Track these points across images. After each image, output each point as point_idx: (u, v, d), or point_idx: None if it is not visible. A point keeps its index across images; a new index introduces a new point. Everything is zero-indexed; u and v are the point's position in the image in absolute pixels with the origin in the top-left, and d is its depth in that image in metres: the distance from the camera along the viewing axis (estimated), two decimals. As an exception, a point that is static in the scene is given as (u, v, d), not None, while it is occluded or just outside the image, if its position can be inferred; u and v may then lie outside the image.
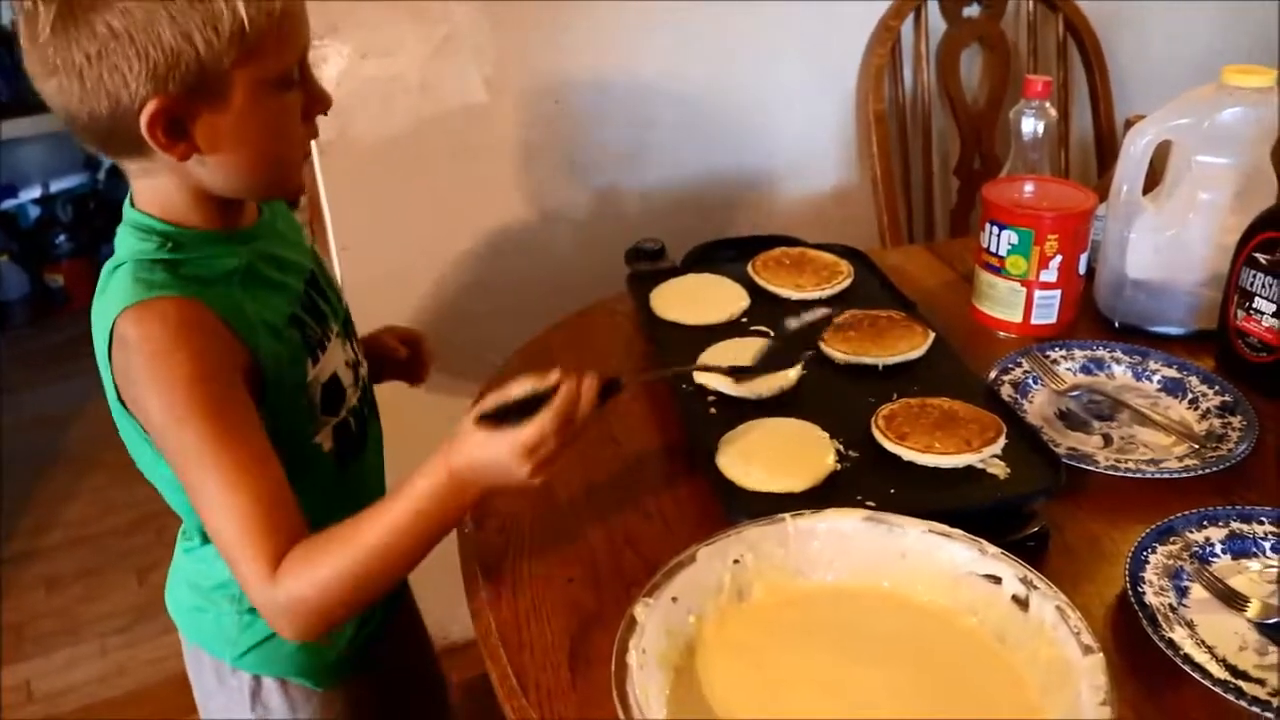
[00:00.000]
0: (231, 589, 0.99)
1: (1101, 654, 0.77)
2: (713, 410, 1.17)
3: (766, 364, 1.15)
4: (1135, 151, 1.36)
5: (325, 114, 1.01)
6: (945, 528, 0.89)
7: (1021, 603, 0.84)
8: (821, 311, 1.31)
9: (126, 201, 1.00)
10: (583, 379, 0.90)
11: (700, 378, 1.20)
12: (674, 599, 0.84)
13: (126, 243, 0.98)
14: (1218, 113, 1.32)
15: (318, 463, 1.07)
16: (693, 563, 0.86)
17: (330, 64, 1.66)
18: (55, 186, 3.84)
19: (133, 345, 0.91)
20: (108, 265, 0.98)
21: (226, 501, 0.90)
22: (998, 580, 0.86)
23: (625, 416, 1.26)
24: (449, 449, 0.90)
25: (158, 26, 0.85)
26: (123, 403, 0.96)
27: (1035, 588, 0.83)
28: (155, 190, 0.97)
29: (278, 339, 1.00)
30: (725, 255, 1.50)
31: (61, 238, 3.77)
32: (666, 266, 1.47)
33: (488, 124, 1.79)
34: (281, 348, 1.00)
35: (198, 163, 0.93)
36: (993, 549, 0.87)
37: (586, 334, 1.45)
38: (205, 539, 1.02)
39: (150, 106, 0.88)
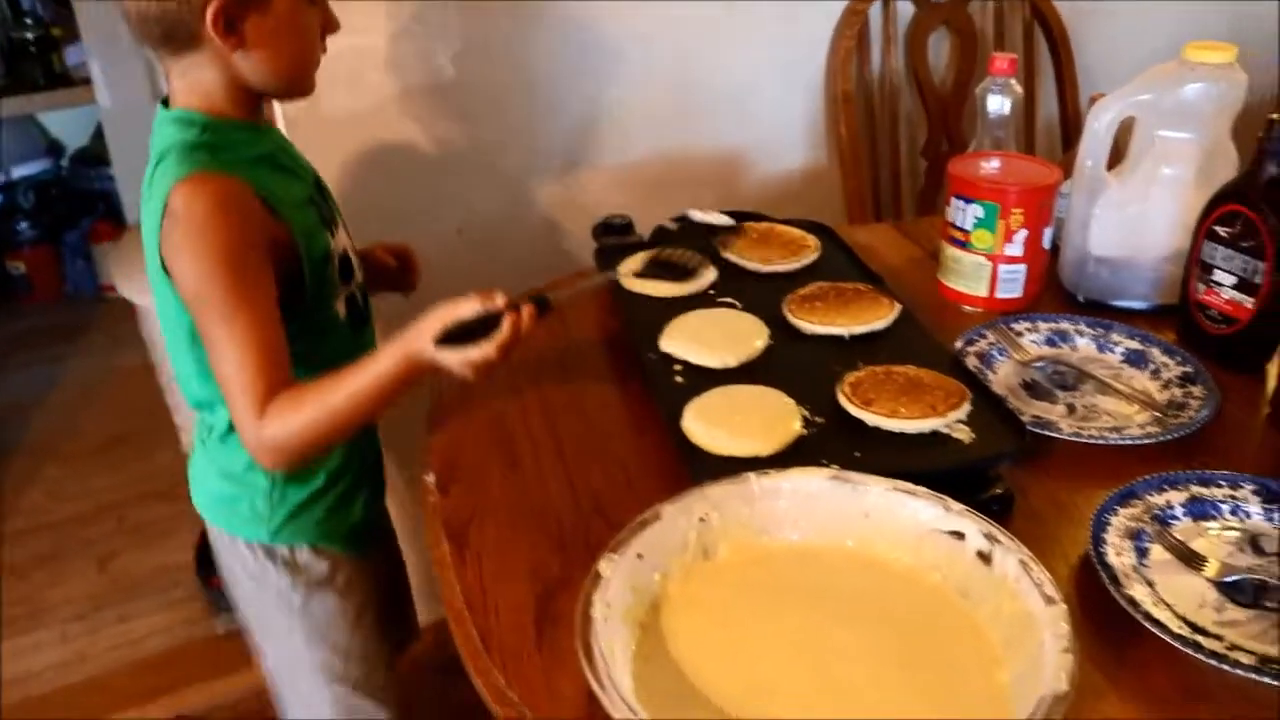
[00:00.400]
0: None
1: (1064, 604, 0.77)
2: (679, 379, 1.17)
3: (673, 261, 1.31)
4: (1099, 127, 1.37)
5: (334, 33, 1.21)
6: (909, 485, 0.89)
7: (985, 557, 0.84)
8: (726, 220, 1.43)
9: (160, 107, 1.16)
10: (522, 308, 1.09)
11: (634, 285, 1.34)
12: (639, 555, 0.84)
13: (167, 134, 1.12)
14: (1180, 88, 1.34)
15: (336, 329, 1.25)
16: (658, 520, 0.86)
17: (296, 39, 1.65)
18: (17, 173, 3.80)
19: (180, 216, 1.07)
20: (151, 161, 1.13)
21: (236, 352, 1.07)
22: (961, 536, 0.86)
23: (591, 385, 1.27)
24: (412, 338, 1.08)
25: None
26: (166, 273, 1.10)
27: (998, 542, 0.84)
28: (197, 84, 1.13)
29: (303, 214, 1.18)
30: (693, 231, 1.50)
31: (23, 225, 3.73)
32: (633, 241, 1.47)
33: (455, 102, 1.79)
34: (307, 221, 1.18)
35: (241, 56, 1.11)
36: (957, 506, 0.87)
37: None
38: (233, 428, 1.18)
39: (214, 5, 1.06)
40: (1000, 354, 1.30)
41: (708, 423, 1.06)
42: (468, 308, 1.08)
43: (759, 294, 1.33)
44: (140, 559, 2.47)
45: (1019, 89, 1.49)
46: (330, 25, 1.19)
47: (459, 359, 1.08)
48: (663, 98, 1.92)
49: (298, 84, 1.19)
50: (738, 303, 1.31)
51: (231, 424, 1.17)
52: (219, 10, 1.07)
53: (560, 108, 1.87)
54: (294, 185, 1.21)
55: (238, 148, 1.14)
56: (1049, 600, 0.78)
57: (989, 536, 0.84)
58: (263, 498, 1.27)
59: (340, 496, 1.31)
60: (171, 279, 1.10)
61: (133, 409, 2.86)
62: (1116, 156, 1.42)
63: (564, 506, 1.07)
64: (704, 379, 1.16)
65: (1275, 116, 1.20)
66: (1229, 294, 1.27)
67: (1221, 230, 1.26)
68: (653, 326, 1.25)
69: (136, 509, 2.63)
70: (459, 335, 1.07)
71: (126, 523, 2.61)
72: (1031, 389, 1.25)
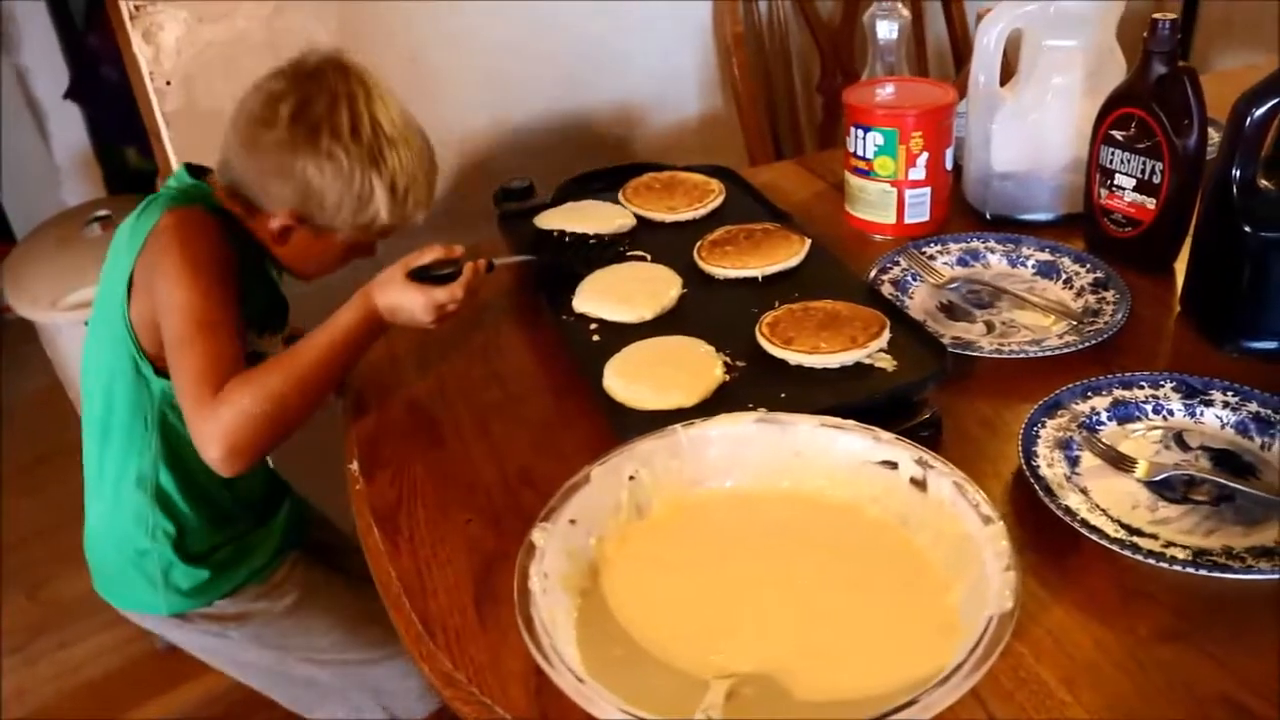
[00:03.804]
0: (159, 530, 1.26)
1: (1001, 523, 0.77)
2: (596, 337, 1.15)
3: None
4: (988, 42, 1.37)
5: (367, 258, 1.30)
6: (837, 420, 0.89)
7: (919, 484, 0.84)
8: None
9: (183, 167, 1.27)
10: (476, 263, 1.16)
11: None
12: (572, 521, 0.82)
13: (183, 189, 1.23)
14: (1063, -4, 1.34)
15: None
16: (587, 483, 0.85)
17: (167, 31, 1.58)
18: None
19: (168, 232, 1.14)
20: (141, 204, 1.21)
21: (197, 348, 1.08)
22: (894, 465, 0.86)
23: (505, 354, 1.24)
24: (373, 290, 1.12)
25: (328, 192, 1.17)
26: (126, 298, 1.18)
27: (931, 467, 0.83)
28: (233, 205, 1.23)
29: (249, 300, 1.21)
30: (595, 188, 1.48)
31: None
32: (536, 204, 1.44)
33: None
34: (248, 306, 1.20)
35: (274, 243, 1.24)
36: (887, 435, 0.87)
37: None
38: (120, 487, 1.26)
39: (279, 219, 1.21)
40: (914, 279, 1.29)
41: (628, 379, 1.05)
42: (429, 254, 1.13)
43: (669, 244, 1.31)
44: (72, 583, 2.37)
45: (906, 13, 1.49)
46: (366, 252, 1.29)
47: (425, 299, 1.11)
48: (550, 58, 1.88)
49: (299, 274, 1.31)
50: (647, 255, 1.29)
51: (132, 475, 1.24)
52: (280, 226, 1.20)
53: (445, 77, 1.82)
54: (256, 292, 1.26)
55: (228, 228, 1.21)
56: (986, 520, 0.78)
57: (921, 463, 0.84)
58: (156, 571, 1.28)
59: (234, 551, 1.32)
60: (130, 296, 1.17)
61: (43, 431, 2.76)
62: (1008, 71, 1.42)
63: (492, 480, 1.05)
64: (621, 335, 1.14)
65: (1158, 16, 1.20)
66: (1131, 196, 1.28)
67: (1118, 134, 1.27)
68: (564, 289, 1.23)
69: (62, 533, 2.53)
70: (422, 280, 1.12)
71: (54, 548, 2.51)
72: (949, 310, 1.25)
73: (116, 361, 1.21)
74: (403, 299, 1.11)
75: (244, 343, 1.15)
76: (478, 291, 1.16)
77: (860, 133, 1.38)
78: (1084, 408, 1.04)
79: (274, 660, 1.39)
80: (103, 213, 2.20)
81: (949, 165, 1.40)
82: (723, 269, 1.23)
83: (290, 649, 1.38)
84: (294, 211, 1.20)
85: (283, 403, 1.06)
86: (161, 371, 1.19)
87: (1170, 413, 1.05)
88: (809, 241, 1.26)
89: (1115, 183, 1.29)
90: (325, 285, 1.32)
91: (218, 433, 1.05)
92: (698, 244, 1.28)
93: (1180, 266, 1.28)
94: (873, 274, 1.28)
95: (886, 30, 1.48)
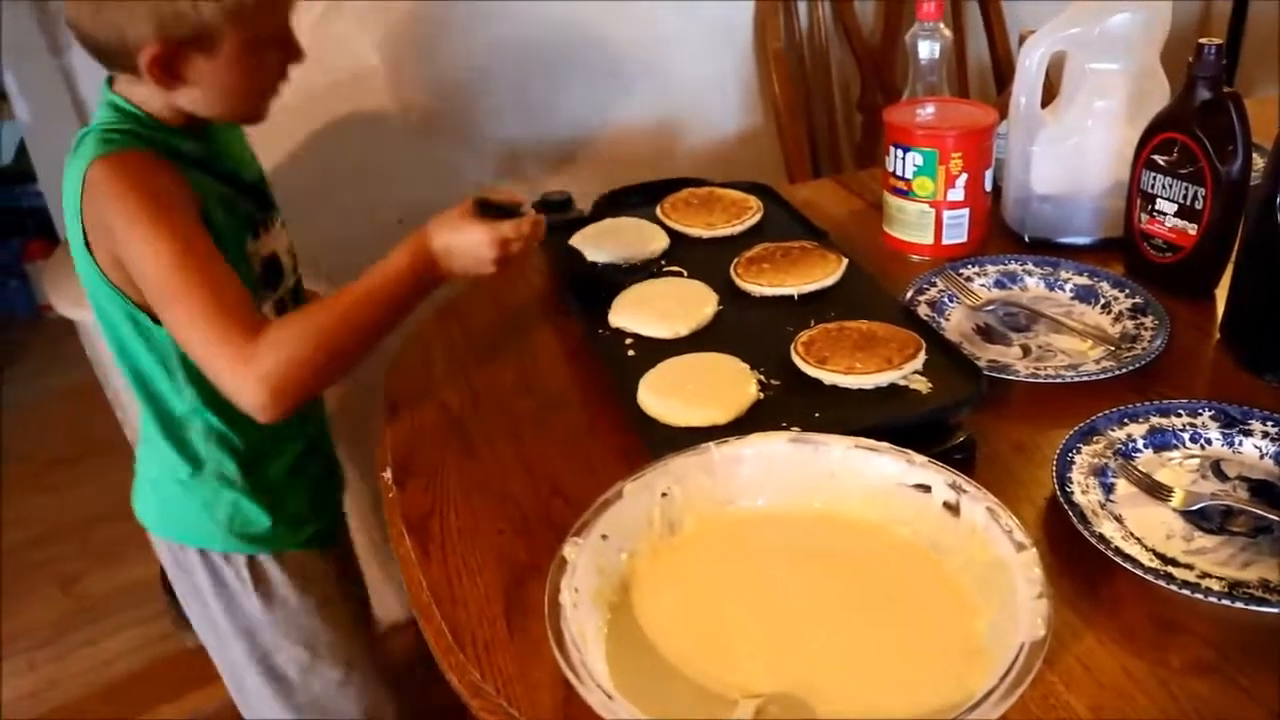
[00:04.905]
0: (218, 466, 1.22)
1: (1034, 549, 0.77)
2: (631, 352, 1.16)
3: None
4: (1031, 64, 1.36)
5: (299, 64, 1.15)
6: (871, 442, 0.88)
7: (952, 508, 0.84)
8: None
9: (105, 81, 1.13)
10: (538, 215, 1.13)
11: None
12: (604, 536, 0.83)
13: (99, 115, 1.11)
14: (1107, 19, 1.33)
15: None
16: (620, 499, 0.85)
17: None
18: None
19: (101, 188, 1.04)
20: (81, 131, 1.10)
21: (198, 303, 1.01)
22: (927, 489, 0.85)
23: (542, 366, 1.25)
24: (430, 228, 1.08)
25: None
26: (91, 255, 1.08)
27: (965, 492, 0.83)
28: (135, 91, 1.10)
29: (222, 208, 1.13)
30: (633, 201, 1.49)
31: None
32: (574, 216, 1.45)
33: (382, 91, 1.75)
34: (223, 216, 1.13)
35: (181, 92, 1.08)
36: (920, 458, 0.86)
37: (501, 289, 1.42)
38: (171, 427, 1.20)
39: (149, 51, 1.02)
40: (951, 300, 1.29)
41: (661, 394, 1.05)
42: (503, 192, 1.11)
43: (706, 260, 1.32)
44: (104, 579, 2.41)
45: (948, 33, 1.48)
46: (293, 57, 1.14)
47: (491, 233, 1.07)
48: (592, 72, 1.89)
49: (243, 116, 1.16)
50: (684, 271, 1.30)
51: (177, 418, 1.19)
52: (154, 58, 1.03)
53: (485, 90, 1.84)
54: (218, 184, 1.15)
55: (165, 142, 1.10)
56: (1019, 546, 0.77)
57: (954, 487, 0.84)
58: (224, 506, 1.25)
59: (292, 516, 1.31)
60: (95, 255, 1.07)
61: (81, 428, 2.80)
62: (1050, 93, 1.42)
63: (523, 491, 1.05)
64: (657, 350, 1.14)
65: (1204, 41, 1.20)
66: (1172, 222, 1.27)
67: (1160, 159, 1.26)
68: (601, 302, 1.23)
69: (96, 528, 2.57)
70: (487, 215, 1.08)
71: (88, 543, 2.55)
72: (985, 333, 1.24)
73: (116, 318, 1.14)
74: (463, 236, 1.07)
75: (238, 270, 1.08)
76: (539, 241, 1.13)
77: (900, 152, 1.37)
78: (1120, 434, 1.04)
79: (262, 637, 1.34)
80: (146, 215, 2.22)
81: (988, 187, 1.40)
82: (759, 286, 1.23)
83: (291, 631, 1.34)
84: (161, 36, 1.02)
85: (329, 344, 1.03)
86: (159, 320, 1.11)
87: (1208, 441, 1.04)
88: (846, 261, 1.26)
89: (1156, 208, 1.28)
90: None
91: (258, 374, 1.01)
92: (734, 261, 1.28)
93: (1221, 293, 1.27)
94: (909, 295, 1.28)
95: (928, 50, 1.47)
